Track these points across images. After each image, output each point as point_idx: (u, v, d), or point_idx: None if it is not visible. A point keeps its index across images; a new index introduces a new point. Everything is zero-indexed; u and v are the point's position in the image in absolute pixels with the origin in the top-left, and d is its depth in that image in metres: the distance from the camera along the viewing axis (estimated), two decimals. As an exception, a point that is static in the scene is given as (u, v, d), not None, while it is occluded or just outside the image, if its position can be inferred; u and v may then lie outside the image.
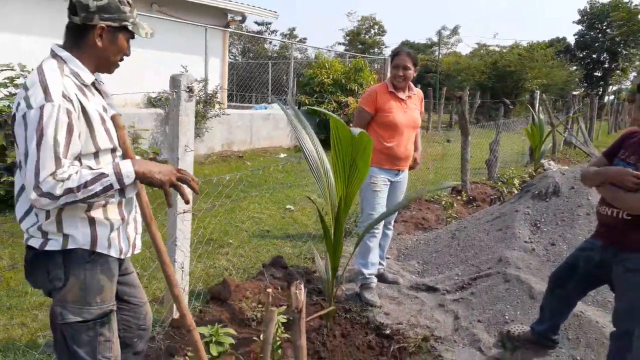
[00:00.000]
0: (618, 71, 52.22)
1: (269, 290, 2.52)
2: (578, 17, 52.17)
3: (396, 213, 3.88)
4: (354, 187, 2.99)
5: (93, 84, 1.75)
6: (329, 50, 19.20)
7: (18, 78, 5.96)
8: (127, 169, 1.59)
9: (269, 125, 11.15)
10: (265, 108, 12.09)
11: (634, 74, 54.36)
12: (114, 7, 1.67)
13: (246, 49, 34.80)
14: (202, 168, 8.48)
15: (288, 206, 6.48)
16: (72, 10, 1.66)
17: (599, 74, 52.58)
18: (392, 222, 3.93)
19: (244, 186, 7.31)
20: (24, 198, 1.69)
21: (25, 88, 1.59)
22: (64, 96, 1.57)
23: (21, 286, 3.63)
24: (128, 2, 1.73)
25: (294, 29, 49.63)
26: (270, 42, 38.66)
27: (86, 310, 1.73)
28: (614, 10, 45.92)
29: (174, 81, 2.80)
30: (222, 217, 5.48)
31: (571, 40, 53.78)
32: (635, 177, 2.23)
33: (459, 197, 6.34)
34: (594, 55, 52.93)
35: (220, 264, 4.30)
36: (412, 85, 3.55)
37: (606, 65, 52.47)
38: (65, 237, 1.66)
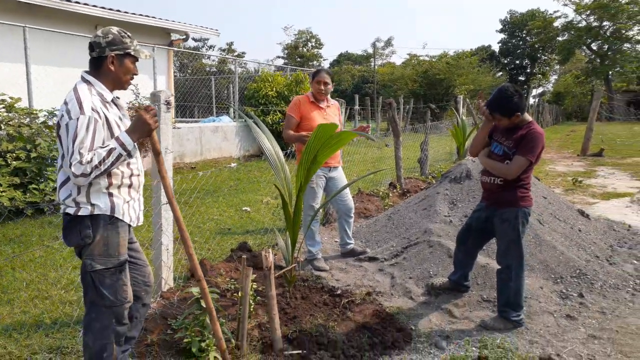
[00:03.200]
0: (539, 75, 56.23)
1: (244, 256, 3.21)
2: (500, 26, 55.97)
3: (352, 203, 4.63)
4: (310, 175, 3.69)
5: (112, 100, 2.40)
6: (269, 65, 19.92)
7: None
8: (126, 139, 2.24)
9: (218, 137, 11.71)
10: (214, 121, 12.63)
11: (555, 76, 58.85)
12: (118, 40, 2.36)
13: (184, 65, 34.88)
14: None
15: (244, 208, 7.10)
16: (91, 48, 2.33)
17: (523, 78, 56.43)
18: (353, 211, 4.65)
19: (199, 194, 7.87)
20: (61, 176, 2.32)
21: (65, 103, 2.23)
22: (93, 109, 2.23)
23: (16, 282, 4.08)
24: (128, 35, 2.42)
25: (231, 43, 50.08)
26: (209, 57, 38.94)
27: (109, 260, 2.36)
28: (531, 19, 49.62)
29: (155, 96, 3.43)
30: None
31: (496, 48, 57.43)
32: (482, 109, 3.21)
33: (394, 190, 7.22)
34: (517, 61, 56.81)
35: (191, 256, 4.88)
36: (329, 97, 4.42)
37: (528, 70, 56.45)
38: (92, 205, 2.30)
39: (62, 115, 2.22)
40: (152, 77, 10.46)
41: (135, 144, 2.32)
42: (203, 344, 2.90)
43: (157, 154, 2.44)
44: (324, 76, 4.27)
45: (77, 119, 2.17)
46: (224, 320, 3.13)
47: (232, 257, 4.36)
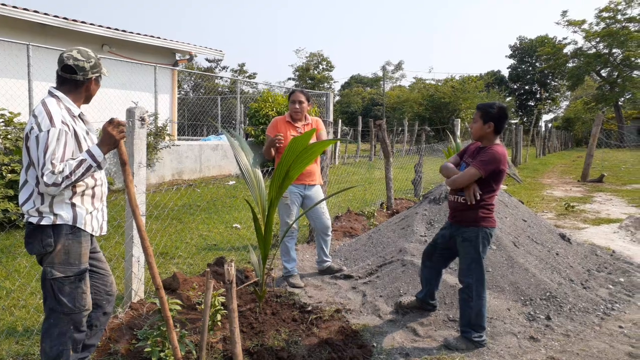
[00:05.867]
0: (549, 100, 56.20)
1: (208, 270, 3.28)
2: (509, 52, 56.27)
3: (329, 221, 4.65)
4: (282, 191, 3.77)
5: (79, 115, 2.53)
6: (280, 87, 20.25)
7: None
8: (96, 151, 2.36)
9: (218, 155, 11.88)
10: (215, 139, 12.83)
11: (566, 102, 58.84)
12: (98, 63, 2.52)
13: (197, 84, 35.50)
14: (154, 196, 9.08)
15: (235, 225, 7.18)
16: (72, 70, 2.44)
17: (532, 103, 56.47)
18: (330, 229, 4.68)
19: (193, 210, 7.98)
20: (25, 189, 2.42)
21: (34, 116, 2.35)
22: (63, 122, 2.35)
23: (-5, 291, 4.19)
24: (98, 57, 2.56)
25: (243, 64, 50.91)
26: (221, 78, 39.59)
27: (68, 269, 2.45)
28: (540, 45, 49.84)
29: (129, 113, 3.56)
30: (173, 236, 6.15)
31: (505, 73, 57.66)
32: (473, 192, 3.21)
33: (383, 211, 7.27)
34: (526, 87, 56.92)
35: (171, 270, 4.96)
36: (307, 116, 4.51)
37: (538, 96, 56.51)
38: (55, 215, 2.39)
39: (32, 128, 2.33)
40: (154, 95, 10.70)
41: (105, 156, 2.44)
42: (162, 354, 2.96)
43: (123, 164, 2.54)
44: (298, 95, 4.40)
45: (48, 131, 2.28)
46: (186, 332, 3.19)
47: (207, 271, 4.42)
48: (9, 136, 6.53)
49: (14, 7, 9.28)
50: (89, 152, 2.36)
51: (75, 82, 2.47)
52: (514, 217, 5.13)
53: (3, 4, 9.12)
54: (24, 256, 5.17)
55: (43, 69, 8.29)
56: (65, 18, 10.20)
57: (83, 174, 2.33)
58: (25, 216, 2.43)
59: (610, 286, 4.41)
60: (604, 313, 3.85)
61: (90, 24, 10.63)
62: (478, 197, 3.22)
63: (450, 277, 4.06)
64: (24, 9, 9.46)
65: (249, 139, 12.20)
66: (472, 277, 3.25)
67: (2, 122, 6.68)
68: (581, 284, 4.34)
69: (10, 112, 6.76)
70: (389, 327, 3.61)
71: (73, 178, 2.29)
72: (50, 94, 2.48)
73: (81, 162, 2.32)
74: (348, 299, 4.11)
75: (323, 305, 4.00)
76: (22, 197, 2.44)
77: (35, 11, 9.68)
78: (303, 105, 4.39)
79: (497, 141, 3.35)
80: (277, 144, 4.16)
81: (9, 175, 6.16)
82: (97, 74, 2.50)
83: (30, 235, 2.45)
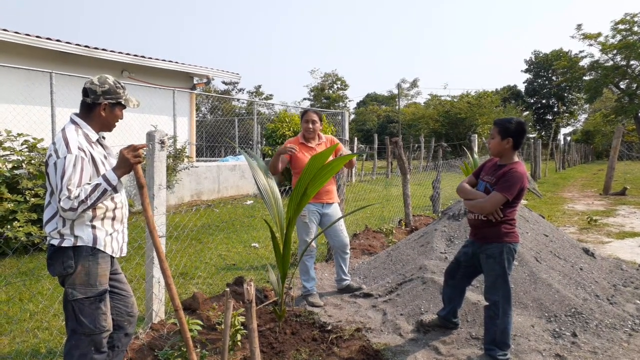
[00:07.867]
0: (567, 114, 55.56)
1: (227, 289, 3.29)
2: (525, 66, 55.99)
3: (347, 239, 4.63)
4: (299, 210, 3.79)
5: (97, 140, 2.59)
6: (295, 107, 20.46)
7: (5, 142, 6.72)
8: (111, 175, 2.41)
9: (236, 175, 11.98)
10: (232, 159, 12.95)
11: (585, 115, 58.08)
12: (113, 90, 2.56)
13: (214, 107, 36.04)
14: (173, 217, 9.17)
15: (253, 244, 7.20)
16: (85, 93, 2.53)
17: (550, 117, 55.87)
18: (348, 247, 4.66)
19: (212, 230, 8.04)
20: (48, 211, 2.48)
21: (54, 143, 2.42)
22: (79, 148, 2.41)
23: (23, 313, 4.25)
24: (122, 86, 2.62)
25: (259, 86, 51.60)
26: (238, 100, 40.16)
27: (89, 290, 2.48)
28: (556, 59, 49.51)
29: (150, 136, 3.63)
30: (193, 257, 6.19)
31: (522, 87, 57.30)
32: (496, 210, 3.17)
33: (402, 228, 7.22)
34: (543, 101, 56.40)
35: (191, 290, 4.98)
36: (321, 134, 4.55)
37: (555, 109, 55.93)
38: (76, 237, 2.44)
39: (50, 155, 2.41)
40: (172, 119, 10.89)
41: (120, 179, 2.49)
42: (183, 375, 2.96)
43: (140, 187, 2.59)
44: (311, 115, 4.44)
45: (65, 157, 2.35)
46: (206, 352, 3.19)
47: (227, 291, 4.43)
48: (32, 161, 6.70)
49: (37, 37, 9.60)
50: (104, 176, 2.41)
51: (87, 105, 2.53)
52: (535, 232, 5.05)
53: (27, 34, 9.44)
54: (47, 278, 5.25)
55: (65, 95, 8.51)
56: (86, 46, 10.50)
57: (99, 198, 2.37)
58: (48, 238, 2.49)
59: (638, 301, 4.29)
60: (632, 329, 3.74)
61: (111, 51, 10.93)
62: (502, 215, 3.18)
63: (472, 294, 3.99)
64: (47, 39, 9.77)
65: (266, 159, 12.29)
66: (498, 294, 3.20)
67: (26, 147, 6.86)
68: (607, 300, 4.24)
69: (34, 138, 6.94)
70: (411, 346, 3.56)
71: (89, 202, 2.34)
72: (71, 120, 2.55)
73: (96, 186, 2.37)
74: (368, 317, 4.08)
75: (343, 324, 3.97)
76: (45, 219, 2.50)
77: (58, 40, 9.99)
78: (316, 125, 4.43)
79: (516, 157, 3.32)
80: (290, 152, 4.19)
81: (33, 199, 6.29)
82: (110, 100, 2.53)
83: (52, 257, 2.49)
